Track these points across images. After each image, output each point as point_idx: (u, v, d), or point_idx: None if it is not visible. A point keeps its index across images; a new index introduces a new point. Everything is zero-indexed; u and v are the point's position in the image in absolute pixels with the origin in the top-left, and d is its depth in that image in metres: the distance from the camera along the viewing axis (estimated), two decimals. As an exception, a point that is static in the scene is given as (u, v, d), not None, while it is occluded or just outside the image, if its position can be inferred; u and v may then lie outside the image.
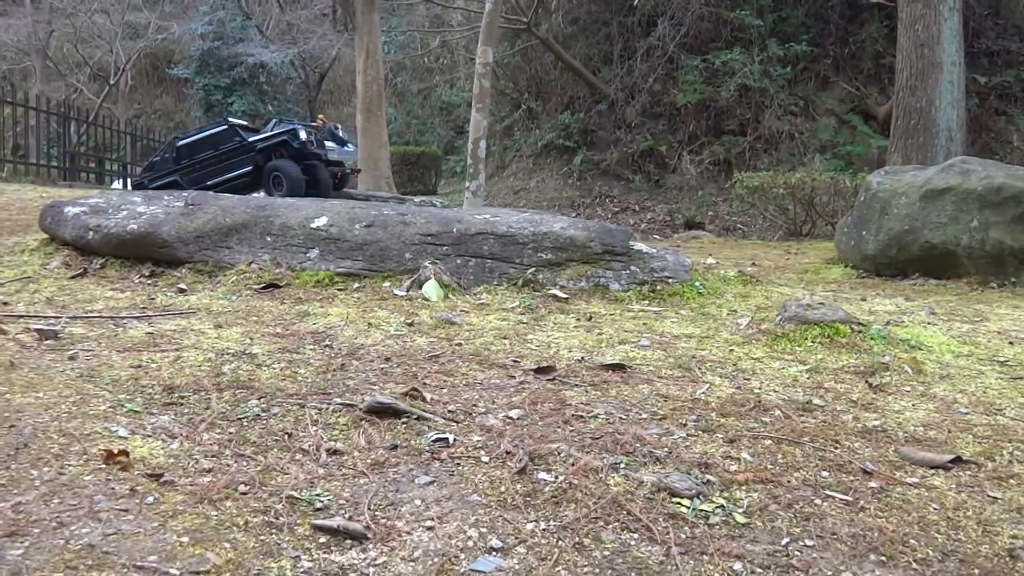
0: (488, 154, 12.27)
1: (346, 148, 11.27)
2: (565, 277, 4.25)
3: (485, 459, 2.01)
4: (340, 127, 11.82)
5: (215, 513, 1.71)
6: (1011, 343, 3.50)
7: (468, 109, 14.90)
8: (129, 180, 16.53)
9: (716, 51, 14.82)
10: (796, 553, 1.61)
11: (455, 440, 2.13)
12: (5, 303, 3.77)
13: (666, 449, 2.08)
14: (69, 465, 1.88)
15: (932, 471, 2.02)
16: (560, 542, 1.63)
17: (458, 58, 21.91)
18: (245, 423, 2.24)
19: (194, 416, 2.27)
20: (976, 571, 1.57)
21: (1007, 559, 1.61)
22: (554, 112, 16.75)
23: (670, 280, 4.32)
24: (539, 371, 2.78)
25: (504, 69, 17.88)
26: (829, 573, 1.54)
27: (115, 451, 1.94)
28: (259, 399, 2.42)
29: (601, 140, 16.06)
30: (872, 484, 1.93)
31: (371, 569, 1.53)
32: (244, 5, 25.78)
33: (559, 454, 2.02)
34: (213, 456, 2.01)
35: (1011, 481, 1.97)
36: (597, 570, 1.53)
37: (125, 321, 3.44)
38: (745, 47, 14.73)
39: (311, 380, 2.63)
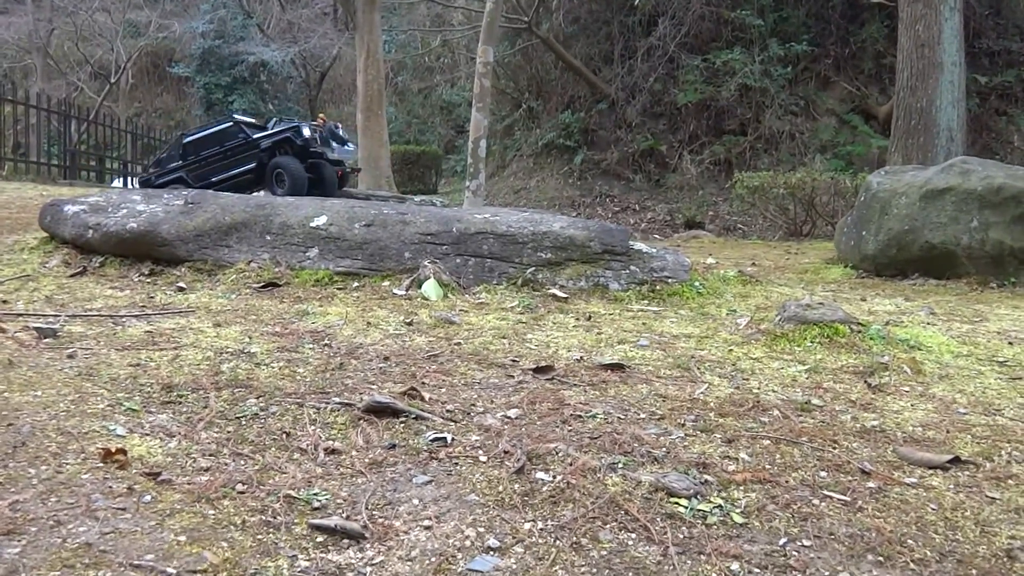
0: (488, 153, 12.27)
1: (346, 147, 11.26)
2: (565, 277, 4.25)
3: (483, 459, 2.01)
4: (340, 126, 11.82)
5: (212, 512, 1.71)
6: (1010, 343, 3.50)
7: (468, 108, 14.89)
8: (129, 179, 16.56)
9: (717, 51, 14.82)
10: (794, 553, 1.61)
11: (453, 440, 2.13)
12: (4, 301, 3.77)
13: (664, 449, 2.08)
14: (67, 463, 1.88)
15: (930, 471, 2.02)
16: (558, 542, 1.63)
17: (459, 57, 21.91)
18: (243, 422, 2.24)
19: (192, 415, 2.27)
20: (974, 571, 1.57)
21: (1005, 559, 1.61)
22: (554, 111, 16.75)
23: (670, 280, 4.31)
24: (538, 371, 2.78)
25: (505, 68, 17.87)
26: (827, 573, 1.54)
27: (113, 450, 1.94)
28: (257, 398, 2.42)
29: (601, 140, 16.06)
30: (870, 484, 1.93)
31: (368, 568, 1.53)
32: (245, 4, 25.77)
33: (557, 454, 2.02)
34: (211, 455, 2.01)
35: (1009, 481, 1.97)
36: (595, 570, 1.53)
37: (124, 320, 3.44)
38: (746, 47, 14.72)
39: (310, 379, 2.63)
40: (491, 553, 1.58)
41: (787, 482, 1.91)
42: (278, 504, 1.76)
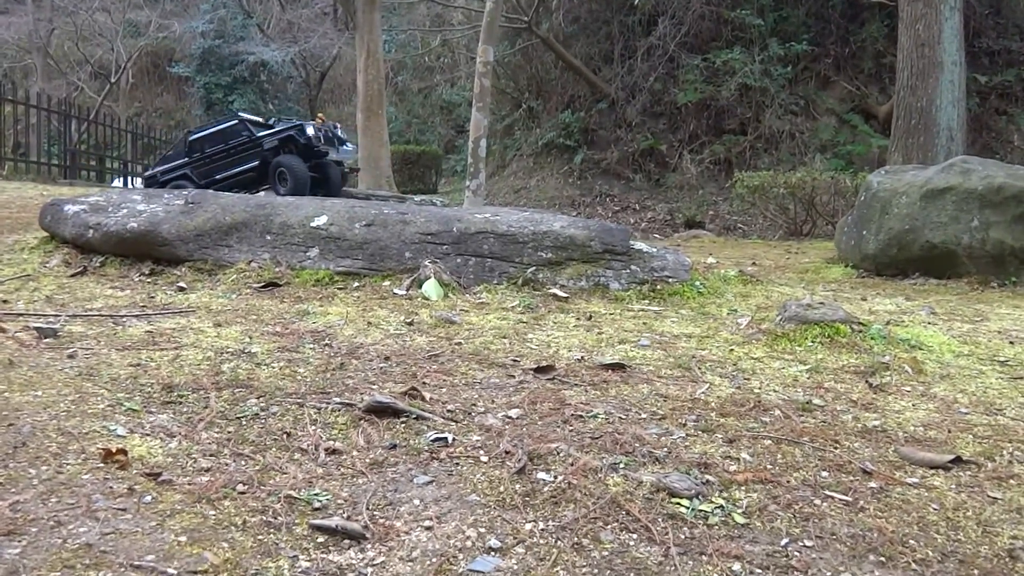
0: (488, 153, 12.27)
1: (345, 147, 11.27)
2: (565, 276, 4.25)
3: (484, 459, 2.01)
4: (339, 126, 11.82)
5: (213, 512, 1.71)
6: (1011, 343, 3.49)
7: (468, 108, 14.87)
8: (130, 178, 16.57)
9: (717, 50, 14.82)
10: (795, 553, 1.60)
11: (454, 440, 2.12)
12: (5, 301, 3.76)
13: (665, 449, 2.07)
14: (67, 464, 1.88)
15: (932, 471, 2.02)
16: (559, 542, 1.62)
17: (459, 57, 21.91)
18: (244, 422, 2.24)
19: (193, 415, 2.27)
20: (976, 571, 1.57)
21: (1007, 560, 1.61)
22: (554, 111, 16.75)
23: (670, 279, 4.31)
24: (539, 371, 2.78)
25: (505, 68, 17.87)
26: (828, 574, 1.54)
27: (113, 450, 1.94)
28: (258, 398, 2.42)
29: (601, 139, 16.05)
30: (872, 484, 1.92)
31: (369, 569, 1.53)
32: (245, 3, 25.78)
33: (558, 454, 2.02)
34: (212, 455, 2.01)
35: (1011, 481, 1.96)
36: (596, 570, 1.53)
37: (124, 319, 3.44)
38: (746, 46, 14.72)
39: (310, 379, 2.63)
40: (492, 554, 1.58)
41: (789, 482, 1.91)
42: (279, 504, 1.76)
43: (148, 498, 1.75)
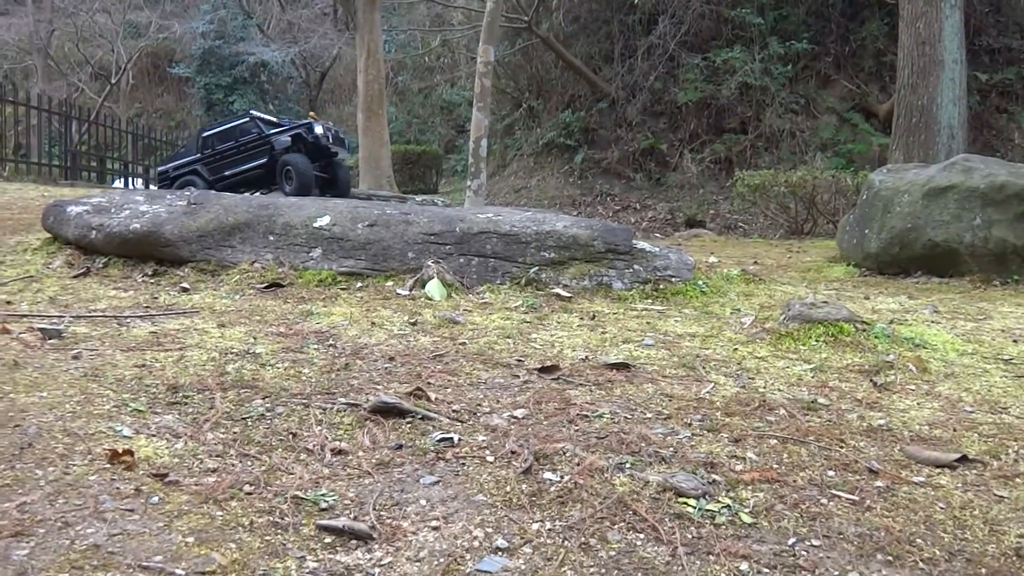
0: (489, 153, 12.26)
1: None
2: (568, 276, 4.25)
3: (490, 459, 2.01)
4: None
5: (220, 513, 1.71)
6: (1015, 341, 3.49)
7: (469, 108, 14.85)
8: (130, 179, 16.57)
9: (717, 49, 14.81)
10: (803, 553, 1.60)
11: (460, 440, 2.12)
12: (8, 302, 3.77)
13: (671, 449, 2.07)
14: (74, 465, 1.88)
15: (938, 470, 2.02)
16: (566, 542, 1.62)
17: (459, 57, 21.91)
18: (249, 423, 2.24)
19: (198, 416, 2.27)
20: (983, 570, 1.57)
21: (1014, 558, 1.61)
22: (555, 111, 16.75)
23: (673, 279, 4.31)
24: (543, 370, 2.78)
25: (505, 68, 17.87)
26: (836, 573, 1.54)
27: (120, 451, 1.94)
28: (263, 399, 2.42)
29: (602, 139, 16.05)
30: (878, 483, 1.92)
31: (376, 569, 1.53)
32: (245, 4, 25.80)
33: (564, 454, 2.02)
34: (218, 456, 2.01)
35: (1017, 480, 1.96)
36: (603, 570, 1.53)
37: (128, 320, 3.44)
38: (746, 45, 14.72)
39: (315, 380, 2.63)
40: (499, 554, 1.58)
41: (795, 481, 1.91)
42: (285, 505, 1.76)
43: (155, 499, 1.75)
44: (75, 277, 4.40)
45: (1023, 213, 5.48)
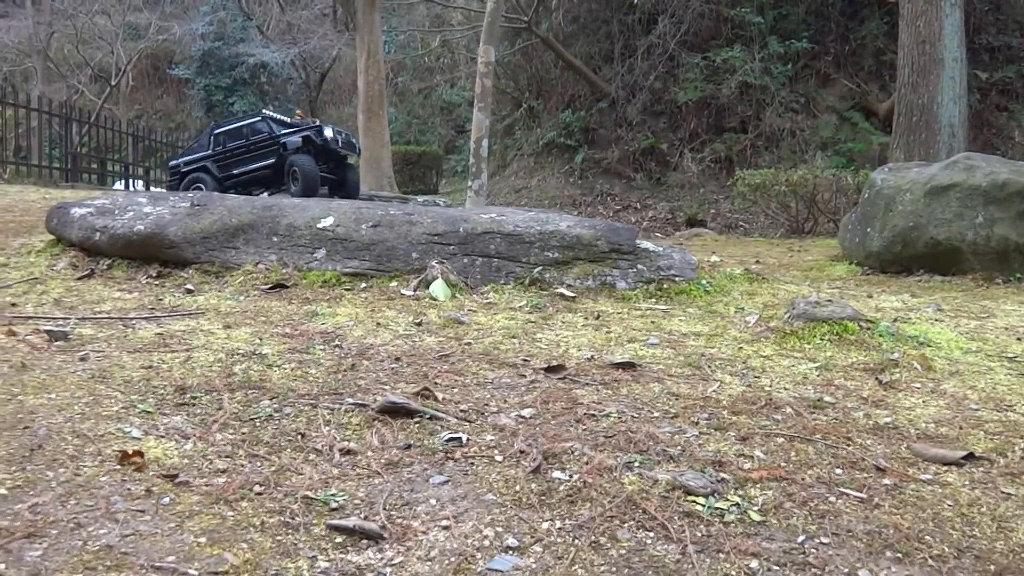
0: (489, 153, 12.27)
1: None
2: (572, 276, 4.26)
3: (499, 458, 2.02)
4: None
5: (231, 513, 1.72)
6: (1019, 339, 3.50)
7: (469, 108, 14.86)
8: (131, 181, 16.58)
9: (717, 49, 14.82)
10: (812, 550, 1.61)
11: (468, 439, 2.13)
12: (13, 304, 3.77)
13: (679, 447, 2.08)
14: (84, 466, 1.89)
15: (945, 467, 2.02)
16: (576, 541, 1.63)
17: (459, 57, 21.92)
18: (258, 423, 2.24)
19: (207, 416, 2.28)
20: (992, 567, 1.57)
21: (1023, 555, 1.62)
22: (555, 111, 16.75)
23: (677, 278, 4.32)
24: (549, 370, 2.79)
25: (505, 68, 17.87)
26: (845, 570, 1.55)
27: (130, 452, 1.94)
28: (271, 399, 2.43)
29: (602, 138, 16.06)
30: (886, 481, 1.93)
31: (388, 569, 1.54)
32: (245, 5, 25.80)
33: (573, 453, 2.02)
34: (227, 456, 2.01)
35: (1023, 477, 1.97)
36: (614, 569, 1.54)
37: (134, 322, 3.45)
38: (746, 44, 14.72)
39: (322, 380, 2.63)
40: (510, 552, 1.59)
41: (803, 479, 1.92)
42: (296, 505, 1.76)
43: (166, 499, 1.75)
44: (79, 279, 4.41)
45: (1025, 211, 5.49)
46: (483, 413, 2.35)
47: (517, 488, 1.85)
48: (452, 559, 1.56)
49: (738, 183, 11.44)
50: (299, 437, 2.15)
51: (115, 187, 15.64)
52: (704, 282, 4.40)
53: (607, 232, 4.45)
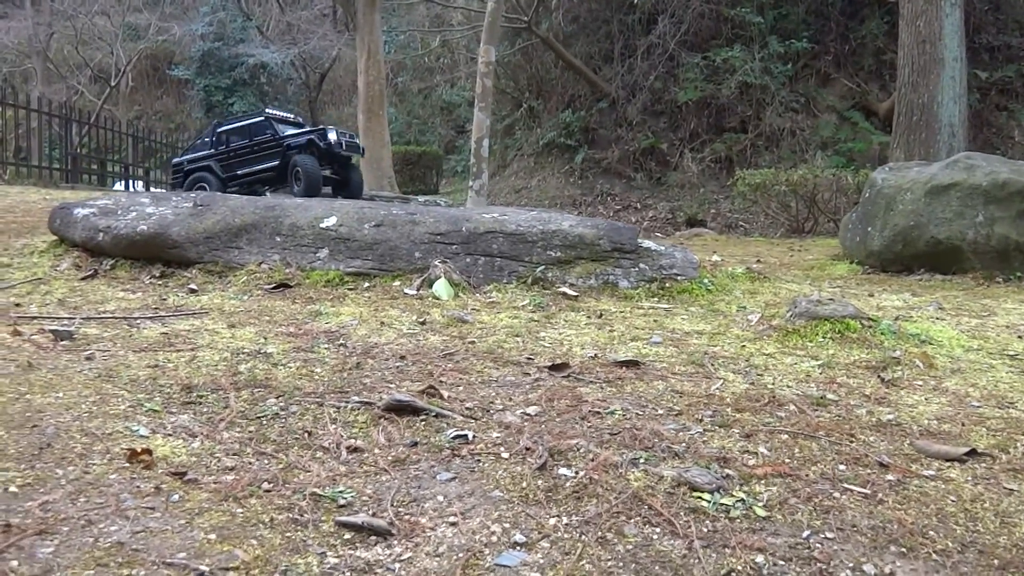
0: (489, 153, 12.28)
1: None
2: (574, 275, 4.27)
3: (505, 455, 2.03)
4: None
5: (240, 510, 1.73)
6: (1020, 337, 3.52)
7: (469, 108, 14.87)
8: (131, 182, 16.58)
9: (717, 48, 14.84)
10: (817, 545, 1.62)
11: (474, 437, 2.14)
12: (18, 304, 3.78)
13: (684, 444, 2.09)
14: (93, 464, 1.90)
15: (948, 464, 2.04)
16: (583, 536, 1.64)
17: (458, 57, 21.94)
18: (264, 422, 2.26)
19: (213, 415, 2.29)
20: (995, 561, 1.59)
21: (1026, 550, 1.63)
22: (555, 111, 16.77)
23: (679, 277, 4.33)
24: (553, 368, 2.80)
25: (505, 68, 17.89)
26: (850, 565, 1.56)
27: (138, 450, 1.95)
28: (277, 398, 2.44)
29: (602, 138, 16.07)
30: (889, 477, 1.94)
31: (397, 565, 1.55)
32: (244, 6, 25.82)
33: (578, 450, 2.04)
34: (235, 454, 2.03)
35: (1027, 473, 1.98)
36: (621, 564, 1.55)
37: (139, 321, 3.46)
38: (746, 44, 14.74)
39: (328, 379, 2.64)
40: (518, 548, 1.60)
41: (807, 476, 1.93)
42: (304, 502, 1.78)
43: (175, 497, 1.77)
44: (83, 279, 4.42)
45: (1025, 210, 5.50)
46: (488, 411, 2.36)
47: (524, 485, 1.86)
48: (460, 555, 1.57)
49: (738, 183, 11.46)
50: (306, 435, 2.17)
51: (115, 188, 15.65)
52: (706, 281, 4.42)
53: (609, 231, 4.47)
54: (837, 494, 1.84)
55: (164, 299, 4.01)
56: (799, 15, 15.00)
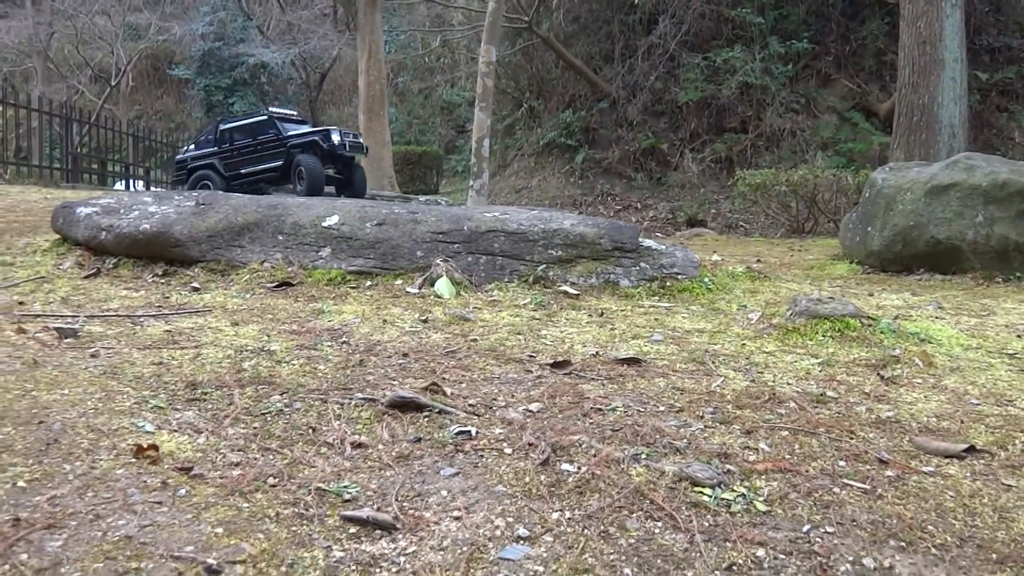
0: (490, 153, 12.30)
1: None
2: (575, 274, 4.29)
3: (508, 451, 2.05)
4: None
5: (246, 505, 1.74)
6: (1019, 336, 3.53)
7: (469, 108, 14.89)
8: (132, 181, 16.60)
9: (717, 49, 14.86)
10: (817, 539, 1.64)
11: (477, 433, 2.16)
12: (21, 303, 3.80)
13: (685, 440, 2.11)
14: (100, 459, 1.92)
15: (947, 460, 2.06)
16: (586, 531, 1.66)
17: (459, 57, 21.96)
18: (269, 418, 2.27)
19: (218, 411, 2.31)
20: (994, 556, 1.60)
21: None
22: (555, 111, 16.79)
23: (679, 276, 4.35)
24: (555, 365, 2.82)
25: (505, 68, 17.91)
26: (850, 559, 1.58)
27: (144, 445, 1.97)
28: (281, 394, 2.46)
29: (603, 138, 16.10)
30: (888, 473, 1.96)
31: (402, 559, 1.56)
32: (245, 5, 25.82)
33: (581, 445, 2.05)
34: (240, 450, 2.04)
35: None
36: (623, 557, 1.57)
37: (142, 319, 3.48)
38: (746, 45, 14.76)
39: (331, 376, 2.66)
40: (521, 542, 1.62)
41: (807, 471, 1.95)
42: (310, 497, 1.79)
43: (182, 491, 1.78)
44: (86, 278, 4.44)
45: (1025, 210, 5.52)
46: (491, 407, 2.38)
47: (527, 480, 1.88)
48: (464, 548, 1.59)
49: (738, 183, 11.48)
50: (310, 431, 2.18)
51: (116, 187, 15.67)
52: (706, 280, 4.44)
53: (610, 230, 4.49)
54: (837, 489, 1.86)
55: (167, 297, 4.03)
56: (800, 16, 15.03)
